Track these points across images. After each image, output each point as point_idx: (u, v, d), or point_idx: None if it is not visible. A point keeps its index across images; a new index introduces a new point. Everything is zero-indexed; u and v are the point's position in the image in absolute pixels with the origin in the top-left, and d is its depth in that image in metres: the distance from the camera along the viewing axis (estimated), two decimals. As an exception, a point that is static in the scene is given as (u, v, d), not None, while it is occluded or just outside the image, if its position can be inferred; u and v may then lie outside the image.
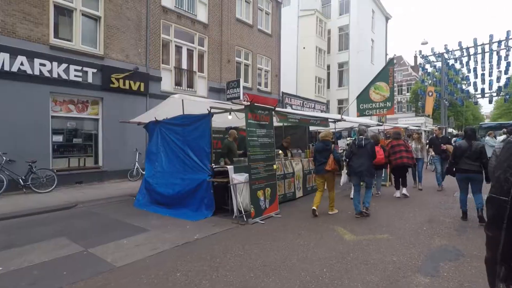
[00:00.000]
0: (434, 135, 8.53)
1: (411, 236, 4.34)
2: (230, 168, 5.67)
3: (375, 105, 8.09)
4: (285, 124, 9.76)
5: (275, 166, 5.88)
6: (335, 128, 11.92)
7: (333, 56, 28.44)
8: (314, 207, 5.61)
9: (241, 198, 5.50)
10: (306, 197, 7.61)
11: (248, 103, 5.33)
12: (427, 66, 28.80)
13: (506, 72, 25.55)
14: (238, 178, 5.52)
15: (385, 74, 7.94)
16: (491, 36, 24.36)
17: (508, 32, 23.48)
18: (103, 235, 4.76)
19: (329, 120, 8.43)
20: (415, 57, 45.20)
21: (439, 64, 28.11)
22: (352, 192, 5.93)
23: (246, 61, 16.26)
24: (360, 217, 5.44)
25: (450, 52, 26.85)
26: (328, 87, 28.62)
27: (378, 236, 4.35)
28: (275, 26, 18.08)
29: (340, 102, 28.56)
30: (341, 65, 28.46)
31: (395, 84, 47.73)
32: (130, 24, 11.10)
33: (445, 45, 26.30)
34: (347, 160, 5.72)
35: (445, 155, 7.60)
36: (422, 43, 23.55)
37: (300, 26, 26.30)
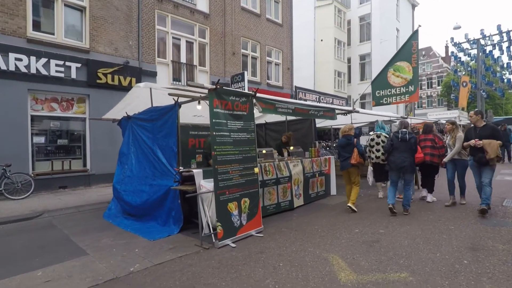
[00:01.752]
0: (471, 124, 5.49)
1: (444, 277, 2.84)
2: (197, 172, 4.41)
3: (395, 90, 6.48)
4: (289, 118, 8.43)
5: (256, 170, 4.53)
6: (351, 123, 10.37)
7: (354, 48, 26.42)
8: (349, 204, 5.61)
9: (210, 212, 4.22)
10: (307, 206, 6.19)
11: (214, 87, 4.02)
12: (461, 54, 26.03)
13: (555, 57, 22.32)
14: (207, 186, 4.25)
15: (407, 51, 6.31)
16: (537, 17, 21.26)
17: (558, 11, 20.33)
18: (25, 261, 3.69)
19: (338, 111, 6.94)
20: (446, 47, 41.60)
21: (474, 52, 25.27)
22: (388, 187, 5.69)
23: (254, 53, 14.97)
24: (392, 208, 5.19)
25: (487, 38, 23.97)
26: (349, 81, 26.64)
27: (391, 276, 2.89)
28: (286, 15, 16.64)
29: (363, 97, 26.41)
30: (362, 57, 26.38)
31: (423, 77, 44.55)
32: (120, 14, 10.19)
33: (481, 29, 23.46)
34: (387, 154, 5.49)
35: (481, 158, 4.81)
36: (455, 28, 21.04)
37: (317, 18, 24.59)
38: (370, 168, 6.72)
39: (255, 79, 15.01)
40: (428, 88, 43.49)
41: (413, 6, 30.45)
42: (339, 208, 5.96)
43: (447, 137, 6.09)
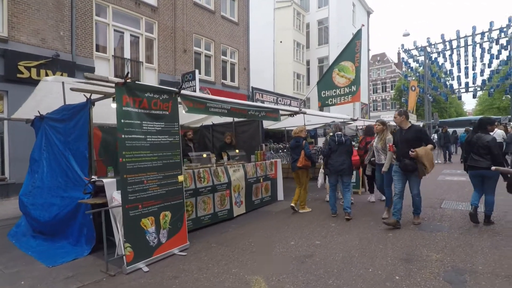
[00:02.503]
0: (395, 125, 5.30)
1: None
2: (108, 182, 3.74)
3: (340, 91, 6.30)
4: (236, 119, 7.96)
5: (180, 178, 3.97)
6: (304, 124, 10.18)
7: (312, 51, 26.84)
8: (292, 204, 5.77)
9: (123, 229, 3.57)
10: (249, 214, 5.74)
11: (129, 81, 3.39)
12: (410, 60, 27.60)
13: (489, 65, 24.45)
14: (120, 199, 3.59)
15: (351, 51, 6.17)
16: (474, 28, 23.15)
17: (491, 23, 22.33)
18: None
19: (284, 112, 6.60)
20: (399, 53, 44.20)
21: (422, 58, 26.92)
22: (328, 193, 5.71)
23: (208, 51, 14.33)
24: (336, 216, 5.26)
25: (432, 46, 25.65)
26: (308, 83, 26.97)
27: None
28: (242, 13, 16.23)
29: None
30: (321, 61, 26.87)
31: (378, 81, 46.82)
32: (47, 0, 9.01)
33: (428, 38, 25.04)
34: (325, 158, 5.45)
35: (407, 166, 4.30)
36: (404, 35, 22.20)
37: (276, 19, 24.56)
38: (321, 170, 6.53)
39: (209, 78, 14.38)
40: (382, 91, 45.88)
41: (368, 13, 31.78)
42: (283, 215, 5.59)
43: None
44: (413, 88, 25.08)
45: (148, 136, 3.61)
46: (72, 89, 3.86)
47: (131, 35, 11.41)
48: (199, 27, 13.74)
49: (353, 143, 12.70)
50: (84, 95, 4.14)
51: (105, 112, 4.70)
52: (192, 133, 7.68)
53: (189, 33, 13.27)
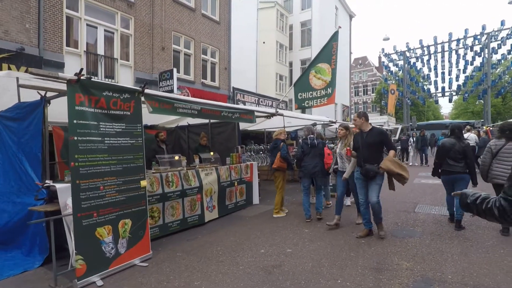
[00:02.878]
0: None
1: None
2: (62, 188, 3.43)
3: (316, 93, 6.21)
4: (212, 120, 7.73)
5: (143, 183, 3.71)
6: (283, 126, 10.05)
7: (295, 53, 26.90)
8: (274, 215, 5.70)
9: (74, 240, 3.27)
10: (222, 219, 5.53)
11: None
12: (390, 64, 28.23)
13: (464, 71, 25.37)
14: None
15: (328, 53, 6.10)
16: (450, 35, 23.95)
17: (466, 31, 23.14)
18: None
19: (259, 114, 6.43)
20: (379, 57, 45.22)
21: (401, 63, 27.59)
22: (302, 197, 5.46)
23: (187, 50, 13.98)
24: (310, 221, 5.18)
25: (411, 50, 26.34)
26: (291, 85, 26.95)
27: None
28: (223, 12, 15.97)
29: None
30: (303, 62, 26.95)
31: (359, 84, 47.72)
32: (12, -10, 8.45)
33: (407, 43, 25.70)
34: (298, 161, 5.38)
35: (369, 171, 4.04)
36: (384, 39, 22.62)
37: (259, 19, 24.43)
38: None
39: (189, 77, 14.04)
40: (364, 94, 46.79)
41: (351, 17, 32.26)
42: (257, 220, 5.42)
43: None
44: (393, 92, 25.65)
45: (106, 138, 3.33)
46: (21, 86, 3.52)
47: (105, 30, 10.92)
48: (178, 25, 13.38)
49: (333, 145, 12.79)
50: (38, 92, 3.81)
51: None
52: (165, 134, 7.39)
53: (167, 31, 12.90)
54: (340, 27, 6.26)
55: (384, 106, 29.79)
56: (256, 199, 6.73)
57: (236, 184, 6.15)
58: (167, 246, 4.13)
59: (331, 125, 13.25)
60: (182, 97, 4.53)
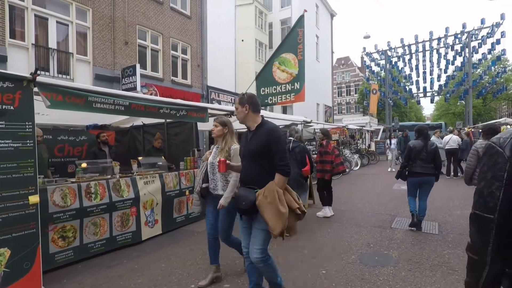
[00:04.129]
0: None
1: None
2: None
3: (280, 88, 5.44)
4: (168, 120, 6.85)
5: (33, 199, 2.81)
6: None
7: (276, 52, 26.24)
8: None
9: None
10: (166, 236, 4.66)
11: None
12: (372, 64, 27.99)
13: (445, 71, 25.32)
14: None
15: (292, 41, 5.34)
16: (431, 33, 23.83)
17: (447, 29, 23.06)
18: None
19: (215, 111, 5.60)
20: (362, 57, 45.31)
21: (383, 62, 27.37)
22: None
23: (154, 45, 13.01)
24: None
25: (393, 50, 26.14)
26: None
27: None
28: (195, 6, 15.07)
29: (285, 101, 26.42)
30: (284, 61, 26.33)
31: (342, 85, 47.65)
32: None
33: (388, 42, 25.46)
34: None
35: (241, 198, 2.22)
36: (365, 37, 22.28)
37: (238, 17, 23.65)
38: None
39: (157, 74, 13.06)
40: (347, 95, 46.70)
41: (332, 16, 31.92)
42: (203, 237, 4.55)
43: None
44: (374, 91, 25.36)
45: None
46: None
47: (58, 22, 9.85)
48: (143, 18, 12.40)
49: (311, 147, 12.06)
50: None
51: None
52: (113, 135, 6.48)
53: (131, 24, 11.90)
54: (305, 10, 5.54)
55: (366, 106, 29.53)
56: (214, 209, 5.87)
57: (187, 193, 5.28)
58: (76, 276, 3.23)
59: (311, 125, 12.61)
60: (102, 89, 3.64)
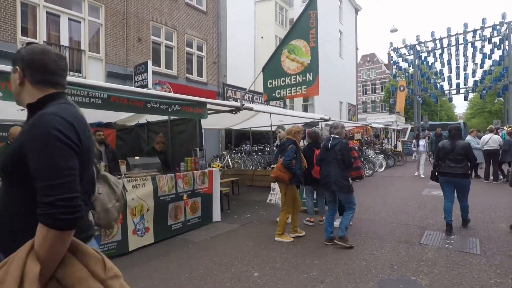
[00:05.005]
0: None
1: None
2: None
3: (290, 79, 4.76)
4: (172, 117, 6.42)
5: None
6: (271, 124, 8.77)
7: (296, 48, 25.38)
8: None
9: None
10: (158, 246, 4.16)
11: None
12: (399, 60, 26.44)
13: (481, 66, 23.31)
14: None
15: (304, 26, 4.64)
16: (465, 25, 22.01)
17: (483, 20, 21.18)
18: None
19: (216, 107, 5.05)
20: (389, 54, 43.21)
21: (411, 58, 25.75)
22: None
23: (169, 42, 12.72)
24: (330, 244, 3.97)
25: (422, 44, 24.48)
26: (292, 82, 25.53)
27: None
28: (212, 2, 14.66)
29: (305, 99, 25.58)
30: (305, 58, 25.44)
31: (368, 83, 45.84)
32: None
33: (417, 35, 23.87)
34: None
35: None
36: (391, 31, 20.95)
37: (257, 13, 23.10)
38: (275, 185, 5.10)
39: (171, 72, 12.77)
40: (372, 93, 44.79)
41: (356, 10, 30.52)
42: (202, 247, 4.03)
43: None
44: (402, 88, 23.85)
45: None
46: None
47: (70, 19, 9.75)
48: (157, 14, 12.13)
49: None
50: None
51: None
52: (107, 133, 6.12)
53: (145, 20, 11.66)
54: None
55: (392, 104, 27.92)
56: (217, 216, 5.33)
57: (185, 197, 4.77)
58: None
59: (313, 123, 11.84)
60: (74, 79, 3.19)
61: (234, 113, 5.43)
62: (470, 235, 4.31)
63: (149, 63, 10.49)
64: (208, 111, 5.57)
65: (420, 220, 5.13)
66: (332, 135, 4.09)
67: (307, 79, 4.59)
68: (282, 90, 4.84)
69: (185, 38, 13.28)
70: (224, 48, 15.56)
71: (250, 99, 16.83)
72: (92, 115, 6.00)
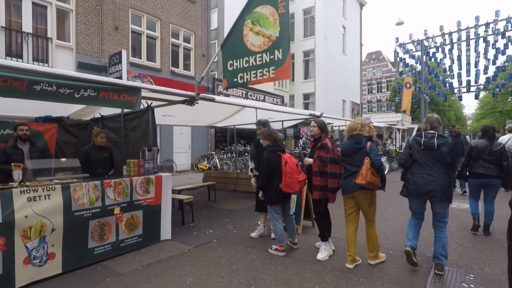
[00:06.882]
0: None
1: None
2: None
3: (254, 59, 3.63)
4: (125, 110, 5.38)
5: None
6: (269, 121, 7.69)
7: (297, 44, 24.21)
8: (348, 264, 3.24)
9: None
10: (66, 279, 3.08)
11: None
12: (406, 56, 25.04)
13: (494, 62, 21.80)
14: None
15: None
16: (477, 18, 20.55)
17: (496, 13, 19.73)
18: None
19: (166, 96, 3.98)
20: (395, 51, 41.64)
21: (419, 54, 24.35)
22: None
23: (151, 32, 11.70)
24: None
25: (430, 39, 23.05)
26: (293, 79, 24.39)
27: None
28: (200, -10, 13.61)
29: (306, 97, 24.45)
30: (306, 54, 24.27)
31: (373, 81, 44.51)
32: None
33: (425, 30, 22.46)
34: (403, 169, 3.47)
35: None
36: (397, 24, 19.62)
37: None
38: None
39: (153, 64, 11.74)
40: (378, 92, 43.28)
41: (361, 5, 29.21)
42: (118, 285, 2.93)
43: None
44: (408, 86, 22.51)
45: None
46: None
47: (34, 3, 8.77)
48: (138, 1, 11.12)
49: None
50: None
51: None
52: (46, 128, 5.09)
53: (123, 7, 10.65)
54: None
55: (398, 103, 26.53)
56: (166, 233, 4.23)
57: (118, 211, 3.68)
58: None
59: (329, 123, 10.71)
60: None
61: (190, 105, 4.32)
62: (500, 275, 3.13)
63: (124, 53, 9.47)
64: (156, 102, 4.52)
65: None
66: (432, 131, 3.22)
67: (276, 58, 3.46)
68: (245, 74, 3.71)
69: (170, 28, 12.25)
70: (215, 40, 14.50)
71: (243, 96, 15.73)
72: (42, 107, 5.01)
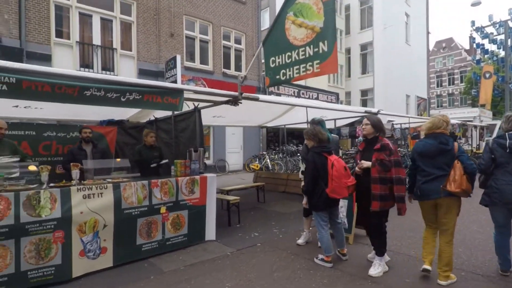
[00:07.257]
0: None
1: None
2: None
3: (297, 54, 3.37)
4: (176, 112, 5.58)
5: None
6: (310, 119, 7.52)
7: (353, 37, 22.90)
8: (425, 266, 2.94)
9: None
10: (115, 272, 3.26)
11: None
12: (485, 41, 21.91)
13: None
14: None
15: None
16: None
17: None
18: None
19: (206, 96, 3.96)
20: (470, 37, 36.71)
21: (501, 38, 21.10)
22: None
23: (204, 36, 12.12)
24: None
25: (516, 19, 19.75)
26: (349, 75, 23.16)
27: None
28: (250, -10, 13.68)
29: (364, 93, 22.98)
30: (364, 47, 22.80)
31: (444, 72, 40.02)
32: (-14, -23, 7.72)
33: (510, 9, 19.33)
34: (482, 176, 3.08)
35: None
36: (473, 4, 17.16)
37: (308, 2, 21.37)
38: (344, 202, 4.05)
39: (206, 67, 12.15)
40: (449, 85, 38.72)
41: (428, -11, 26.41)
42: (174, 279, 2.98)
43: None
44: (488, 75, 19.58)
45: None
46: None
47: (102, 18, 9.75)
48: (191, 7, 11.60)
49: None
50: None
51: None
52: (107, 131, 5.52)
53: (177, 15, 11.22)
54: None
55: (475, 96, 23.32)
56: (211, 233, 4.24)
57: (164, 210, 3.79)
58: None
59: (391, 121, 9.90)
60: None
61: (234, 105, 4.27)
62: None
63: (178, 57, 9.94)
64: (202, 103, 4.55)
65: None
66: None
67: (320, 50, 3.18)
68: (287, 70, 3.49)
69: (221, 31, 12.55)
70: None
71: (295, 94, 15.39)
72: (105, 112, 5.48)
